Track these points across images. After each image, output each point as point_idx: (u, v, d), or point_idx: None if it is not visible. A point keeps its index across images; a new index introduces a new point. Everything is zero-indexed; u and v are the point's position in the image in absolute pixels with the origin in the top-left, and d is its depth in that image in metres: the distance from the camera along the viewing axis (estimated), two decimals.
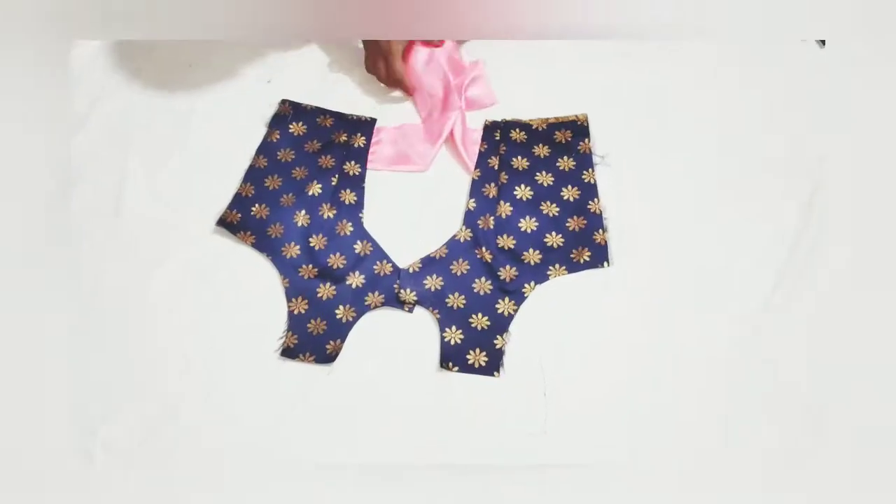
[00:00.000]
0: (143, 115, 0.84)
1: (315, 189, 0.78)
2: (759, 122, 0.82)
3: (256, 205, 0.77)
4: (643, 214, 0.77)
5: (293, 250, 0.75)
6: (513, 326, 0.71)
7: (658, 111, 0.84)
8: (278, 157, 0.80)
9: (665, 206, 0.77)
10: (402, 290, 0.72)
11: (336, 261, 0.74)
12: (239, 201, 0.78)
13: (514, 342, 0.70)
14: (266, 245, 0.75)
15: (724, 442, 0.65)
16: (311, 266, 0.74)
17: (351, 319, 0.72)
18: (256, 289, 0.74)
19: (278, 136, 0.82)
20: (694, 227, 0.76)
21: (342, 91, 0.86)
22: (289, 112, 0.84)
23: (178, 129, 0.83)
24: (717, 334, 0.70)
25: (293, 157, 0.81)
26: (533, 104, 0.85)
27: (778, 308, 0.71)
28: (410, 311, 0.72)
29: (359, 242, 0.75)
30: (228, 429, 0.66)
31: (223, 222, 0.76)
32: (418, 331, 0.71)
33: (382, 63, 0.79)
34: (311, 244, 0.75)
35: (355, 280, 0.74)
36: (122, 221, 0.77)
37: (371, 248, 0.75)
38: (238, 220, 0.76)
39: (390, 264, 0.74)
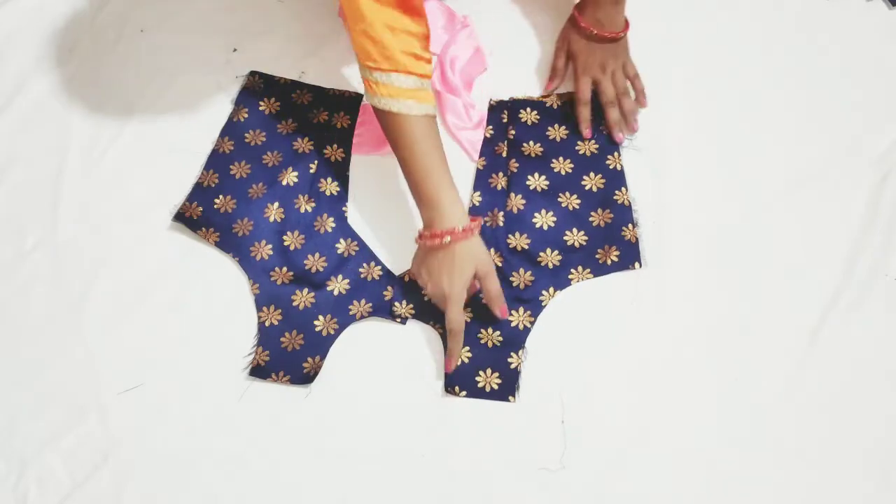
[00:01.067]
0: (83, 92, 0.80)
1: (290, 178, 0.73)
2: (821, 100, 0.79)
3: (221, 196, 0.72)
4: (682, 206, 0.73)
5: (264, 250, 0.70)
6: (529, 342, 0.67)
7: (701, 84, 0.79)
8: (246, 140, 0.75)
9: (709, 197, 0.74)
10: (396, 303, 0.68)
11: (315, 263, 0.70)
12: (200, 192, 0.73)
13: (530, 361, 0.67)
14: (232, 244, 0.71)
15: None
16: (285, 269, 0.69)
17: (332, 332, 0.67)
18: (220, 296, 0.70)
19: (246, 115, 0.77)
20: (744, 223, 0.72)
21: (322, 61, 0.81)
22: (259, 86, 0.79)
23: (127, 108, 0.79)
24: (772, 351, 0.66)
25: (264, 139, 0.76)
26: (540, 74, 0.79)
27: (840, 328, 0.67)
28: (403, 322, 0.68)
29: (342, 241, 0.71)
30: (185, 462, 0.63)
31: (181, 217, 0.72)
32: (414, 346, 0.68)
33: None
34: (286, 243, 0.70)
35: (338, 286, 0.69)
36: (59, 216, 0.73)
37: (356, 248, 0.71)
38: (199, 215, 0.71)
39: (379, 267, 0.70)
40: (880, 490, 0.60)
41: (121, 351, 0.67)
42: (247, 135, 0.75)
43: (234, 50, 0.81)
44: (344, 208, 0.72)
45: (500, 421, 0.64)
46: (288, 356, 0.66)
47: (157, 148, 0.76)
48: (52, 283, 0.69)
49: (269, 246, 0.70)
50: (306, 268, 0.69)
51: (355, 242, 0.70)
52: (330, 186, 0.73)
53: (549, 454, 0.62)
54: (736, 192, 0.73)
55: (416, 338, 0.67)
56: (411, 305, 0.68)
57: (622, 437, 0.63)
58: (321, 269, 0.69)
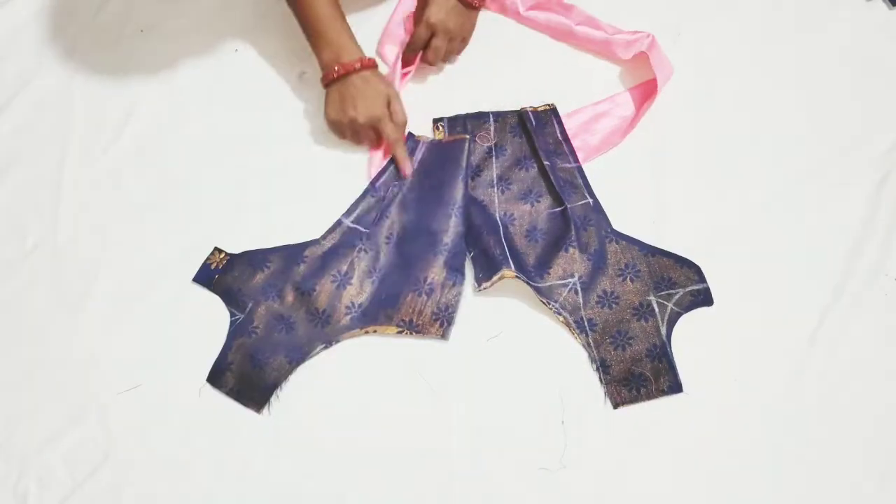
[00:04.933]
0: (83, 92, 0.80)
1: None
2: (821, 100, 0.78)
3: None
4: (682, 206, 0.73)
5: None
6: (529, 341, 0.67)
7: (701, 84, 0.79)
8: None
9: (709, 197, 0.73)
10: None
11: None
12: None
13: (530, 360, 0.66)
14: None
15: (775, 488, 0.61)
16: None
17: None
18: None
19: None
20: (744, 223, 0.72)
21: None
22: (222, 262, 0.71)
23: (127, 108, 0.79)
24: (772, 351, 0.66)
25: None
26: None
27: (840, 328, 0.66)
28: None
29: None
30: (185, 462, 0.63)
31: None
32: (414, 346, 0.67)
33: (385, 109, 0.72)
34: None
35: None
36: (59, 216, 0.73)
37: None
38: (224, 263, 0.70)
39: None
40: (880, 490, 0.60)
41: (121, 351, 0.66)
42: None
43: (236, 50, 0.80)
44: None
45: (501, 421, 0.64)
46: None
47: (157, 147, 0.76)
48: (52, 283, 0.69)
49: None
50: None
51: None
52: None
53: (549, 454, 0.62)
54: (735, 192, 0.72)
55: (416, 338, 0.67)
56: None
57: (622, 437, 0.63)
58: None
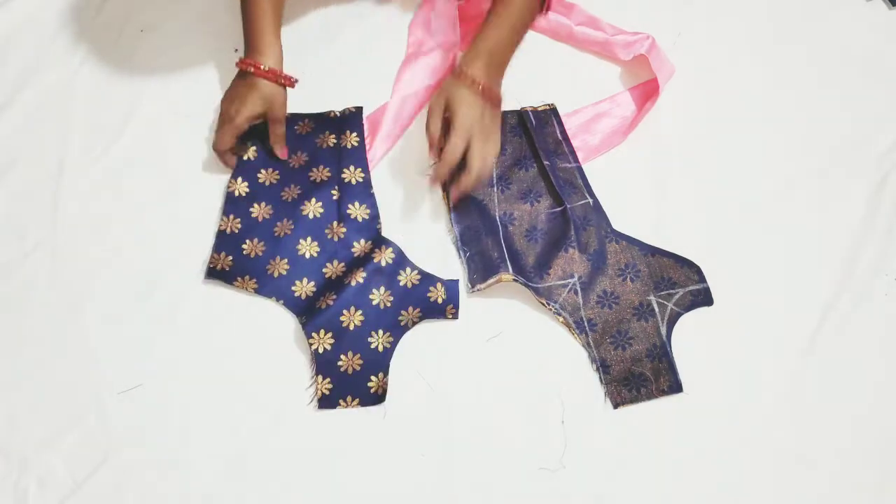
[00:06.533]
0: (83, 92, 0.80)
1: (314, 209, 0.71)
2: (821, 100, 0.78)
3: (248, 241, 0.70)
4: (681, 206, 0.73)
5: (307, 288, 0.68)
6: (531, 342, 0.67)
7: (700, 85, 0.79)
8: (260, 180, 0.73)
9: (709, 197, 0.73)
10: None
11: (355, 277, 0.67)
12: (224, 240, 0.70)
13: (530, 360, 0.66)
14: (272, 288, 0.68)
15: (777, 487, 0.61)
16: (330, 293, 0.67)
17: (388, 346, 0.66)
18: (220, 295, 0.69)
19: (255, 154, 0.74)
20: (744, 223, 0.72)
21: (322, 61, 0.81)
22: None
23: (127, 108, 0.78)
24: (772, 351, 0.66)
25: (278, 177, 0.73)
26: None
27: (841, 328, 0.66)
28: (455, 316, 0.67)
29: (377, 251, 0.69)
30: (185, 462, 0.63)
31: (214, 272, 0.69)
32: (414, 346, 0.67)
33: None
34: (328, 275, 0.69)
35: (381, 297, 0.67)
36: (60, 218, 0.73)
37: (393, 256, 0.69)
38: (231, 266, 0.69)
39: (416, 272, 0.69)
40: (880, 490, 0.60)
41: (121, 351, 0.66)
42: (260, 175, 0.72)
43: (236, 50, 0.80)
44: (378, 226, 0.70)
45: (500, 421, 0.63)
46: (350, 379, 0.64)
47: (157, 148, 0.76)
48: (52, 283, 0.69)
49: (312, 283, 0.68)
50: (347, 283, 0.67)
51: (390, 249, 0.68)
52: (359, 212, 0.70)
53: (549, 454, 0.62)
54: (736, 192, 0.72)
55: (417, 337, 0.67)
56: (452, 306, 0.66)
57: (622, 437, 0.63)
58: (361, 281, 0.67)
